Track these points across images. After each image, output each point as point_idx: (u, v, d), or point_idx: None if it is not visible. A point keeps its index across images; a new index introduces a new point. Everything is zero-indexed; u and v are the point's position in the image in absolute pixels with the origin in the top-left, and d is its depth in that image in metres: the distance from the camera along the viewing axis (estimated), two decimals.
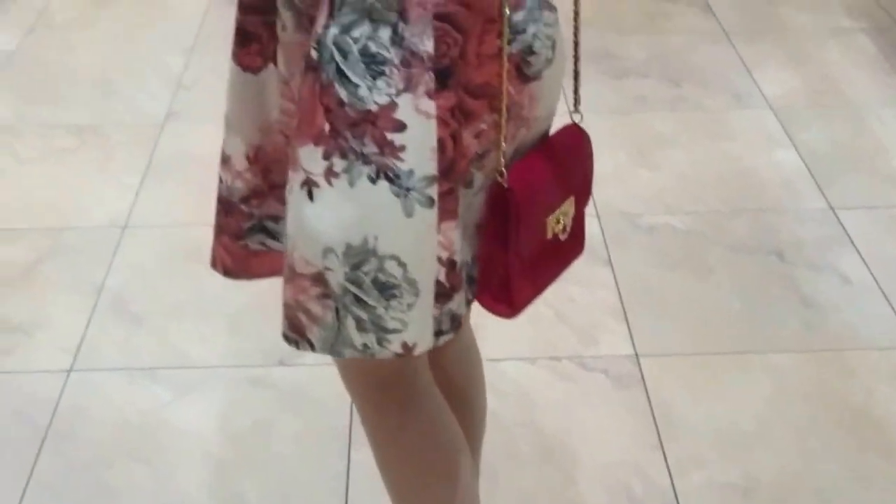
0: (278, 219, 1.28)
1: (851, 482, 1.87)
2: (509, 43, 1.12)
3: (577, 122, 1.28)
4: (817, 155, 2.79)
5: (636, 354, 2.14)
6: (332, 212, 1.12)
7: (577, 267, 2.34)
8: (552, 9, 1.18)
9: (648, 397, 2.04)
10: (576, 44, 1.27)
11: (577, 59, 1.29)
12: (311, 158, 1.12)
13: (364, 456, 1.89)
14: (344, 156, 1.10)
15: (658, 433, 1.96)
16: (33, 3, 3.81)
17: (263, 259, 1.33)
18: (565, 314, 2.25)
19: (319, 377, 2.10)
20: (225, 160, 1.31)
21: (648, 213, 2.58)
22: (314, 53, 1.11)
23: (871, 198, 2.63)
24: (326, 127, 1.10)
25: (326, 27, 1.09)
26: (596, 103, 3.01)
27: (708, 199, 2.64)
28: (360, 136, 1.09)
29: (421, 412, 1.33)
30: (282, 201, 1.24)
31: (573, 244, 1.31)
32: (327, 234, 1.12)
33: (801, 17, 3.59)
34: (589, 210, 2.51)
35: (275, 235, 1.31)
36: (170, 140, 2.94)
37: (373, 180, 1.10)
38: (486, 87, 1.12)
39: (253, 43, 1.24)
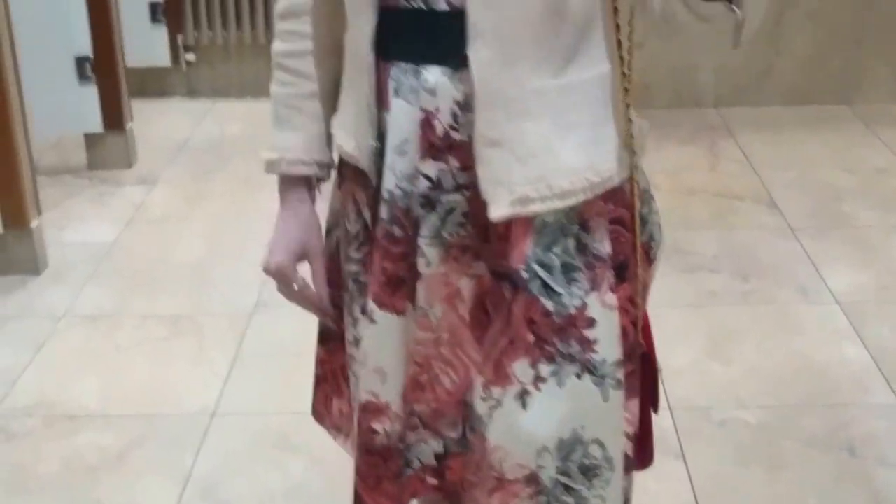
0: (410, 446, 1.35)
1: None
2: (641, 234, 1.30)
3: None
4: (886, 350, 2.85)
5: None
6: (546, 414, 1.23)
7: None
8: (654, 199, 1.36)
9: None
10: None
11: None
12: (522, 370, 1.23)
13: None
14: (551, 360, 1.22)
15: None
16: (131, 198, 4.05)
17: (405, 487, 1.38)
18: None
19: None
20: (380, 410, 1.36)
21: (720, 407, 2.64)
22: (524, 275, 1.22)
23: None
24: (531, 338, 1.22)
25: (530, 249, 1.23)
26: (668, 298, 3.13)
27: (779, 394, 2.70)
28: (566, 340, 1.23)
29: None
30: (412, 428, 1.33)
31: None
32: (542, 435, 1.24)
33: (866, 214, 3.70)
34: (661, 403, 2.58)
35: (409, 462, 1.36)
36: (258, 330, 3.08)
37: (578, 376, 1.23)
38: (636, 276, 1.28)
39: (401, 287, 1.31)
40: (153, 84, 5.11)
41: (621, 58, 1.24)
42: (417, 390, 1.32)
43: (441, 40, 1.22)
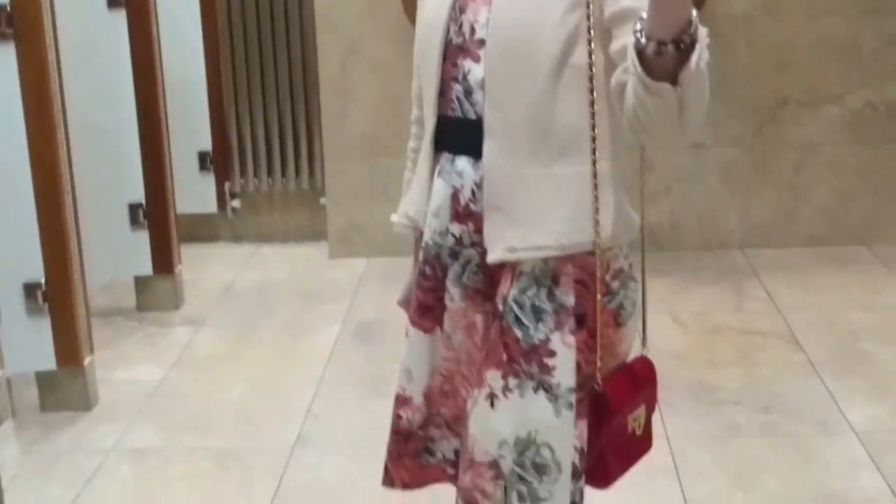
0: (434, 440, 1.75)
1: None
2: (610, 301, 1.67)
3: (645, 354, 1.78)
4: None
5: None
6: (508, 415, 1.60)
7: None
8: (636, 280, 1.74)
9: None
10: (644, 304, 1.79)
11: (644, 313, 1.80)
12: (494, 379, 1.60)
13: None
14: (517, 376, 1.59)
15: None
16: (179, 339, 4.24)
17: (428, 472, 1.77)
18: None
19: None
20: (405, 401, 1.76)
21: None
22: (500, 307, 1.64)
23: None
24: (505, 357, 1.59)
25: (509, 290, 1.63)
26: (694, 430, 3.26)
27: None
28: (528, 362, 1.59)
29: None
30: (438, 426, 1.75)
31: (644, 442, 1.76)
32: (503, 431, 1.60)
33: (884, 351, 3.82)
34: None
35: (432, 453, 1.76)
36: (298, 464, 3.22)
37: (535, 391, 1.59)
38: (596, 330, 1.62)
39: (429, 313, 1.74)
40: (200, 229, 5.35)
41: (594, 162, 1.63)
42: (442, 397, 1.73)
43: (468, 138, 1.67)
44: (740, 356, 3.84)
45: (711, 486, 2.98)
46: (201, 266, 5.06)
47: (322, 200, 5.22)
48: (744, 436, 3.27)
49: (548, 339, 1.60)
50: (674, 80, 1.44)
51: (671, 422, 3.26)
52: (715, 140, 4.80)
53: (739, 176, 4.90)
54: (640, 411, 1.72)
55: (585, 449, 1.63)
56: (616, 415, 1.66)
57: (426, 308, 1.74)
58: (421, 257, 1.75)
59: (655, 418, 1.82)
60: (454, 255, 1.70)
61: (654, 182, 4.68)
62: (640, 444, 1.76)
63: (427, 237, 1.74)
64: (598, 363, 1.63)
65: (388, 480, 1.81)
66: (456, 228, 1.70)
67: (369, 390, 3.57)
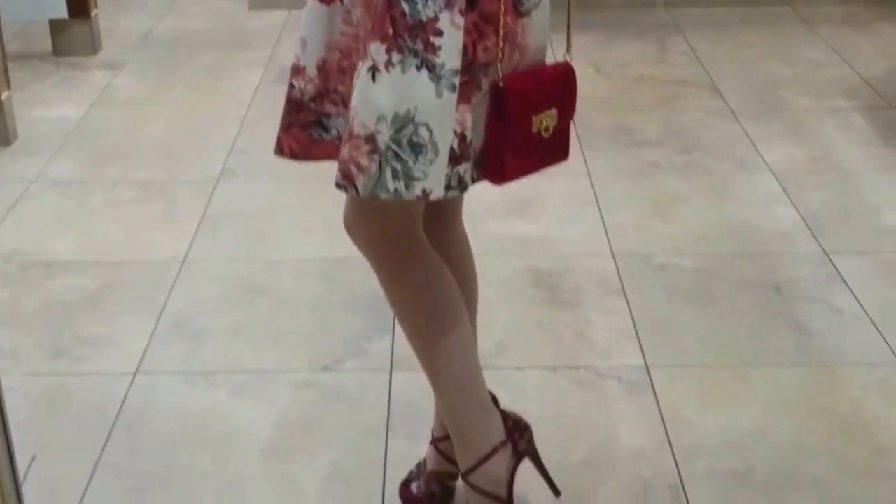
0: (329, 116, 1.71)
1: (839, 473, 2.08)
2: None
3: (567, 60, 1.73)
4: (813, 210, 3.06)
5: (646, 365, 2.38)
6: (388, 90, 1.56)
7: (595, 297, 2.63)
8: None
9: (657, 400, 2.27)
10: (569, 4, 1.73)
11: (569, 15, 1.75)
12: (377, 52, 1.55)
13: (399, 443, 2.14)
14: (400, 51, 1.55)
15: (665, 429, 2.18)
16: (98, 81, 4.16)
17: (320, 146, 1.74)
18: (583, 333, 2.50)
19: (359, 380, 2.35)
20: (299, 71, 1.71)
21: (660, 255, 2.84)
22: None
23: (861, 245, 2.89)
24: (391, 31, 1.55)
25: None
26: (616, 168, 3.32)
27: (714, 244, 2.90)
28: (413, 38, 1.54)
29: (420, 260, 1.75)
30: (334, 103, 1.70)
31: (558, 149, 1.73)
32: (382, 105, 1.56)
33: (802, 99, 3.90)
34: (604, 250, 2.80)
35: (327, 129, 1.73)
36: (224, 194, 3.23)
37: (418, 69, 1.55)
38: (493, 15, 1.58)
39: None
40: None
41: None
42: (340, 73, 1.69)
43: None
44: (662, 103, 3.89)
45: (631, 215, 3.06)
46: (117, 15, 4.93)
47: None
48: (664, 173, 3.34)
49: (436, 18, 1.54)
50: None
51: (593, 160, 3.32)
52: None
53: None
54: (550, 113, 1.69)
55: (468, 136, 1.61)
56: (516, 110, 1.64)
57: None
58: None
59: (577, 155, 1.78)
60: None
61: None
62: (550, 150, 1.72)
63: None
64: (501, 55, 1.60)
65: (279, 149, 1.78)
66: None
67: None
